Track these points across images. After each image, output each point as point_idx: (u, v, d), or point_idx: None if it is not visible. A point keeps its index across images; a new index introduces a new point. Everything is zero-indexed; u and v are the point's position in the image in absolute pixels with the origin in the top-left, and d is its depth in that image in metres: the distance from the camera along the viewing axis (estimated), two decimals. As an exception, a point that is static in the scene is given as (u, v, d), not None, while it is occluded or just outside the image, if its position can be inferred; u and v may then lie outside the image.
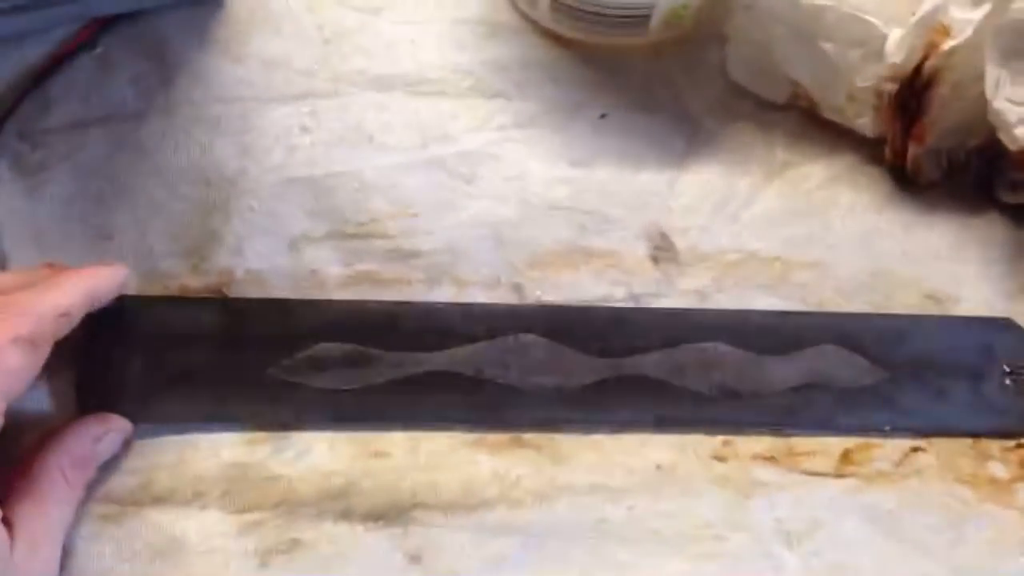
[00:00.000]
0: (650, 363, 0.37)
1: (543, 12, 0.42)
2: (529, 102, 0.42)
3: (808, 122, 0.42)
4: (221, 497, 0.34)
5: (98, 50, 0.41)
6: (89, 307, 0.33)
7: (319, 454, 0.35)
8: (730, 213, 0.41)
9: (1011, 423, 0.37)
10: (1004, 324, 0.39)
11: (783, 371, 0.37)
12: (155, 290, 0.38)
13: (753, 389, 0.37)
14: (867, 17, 0.38)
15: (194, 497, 0.34)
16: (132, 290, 0.37)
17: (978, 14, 0.37)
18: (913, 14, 0.38)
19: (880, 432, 0.37)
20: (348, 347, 0.37)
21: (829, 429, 0.37)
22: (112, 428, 0.34)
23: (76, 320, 0.32)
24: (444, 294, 0.39)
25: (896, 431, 0.37)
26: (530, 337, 0.37)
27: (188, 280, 0.38)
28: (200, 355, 0.36)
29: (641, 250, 0.40)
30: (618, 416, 0.36)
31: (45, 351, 0.31)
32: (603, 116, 0.43)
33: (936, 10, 0.37)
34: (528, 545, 0.34)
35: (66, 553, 0.32)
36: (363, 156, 0.41)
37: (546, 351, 0.37)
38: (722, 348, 0.37)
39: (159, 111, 0.40)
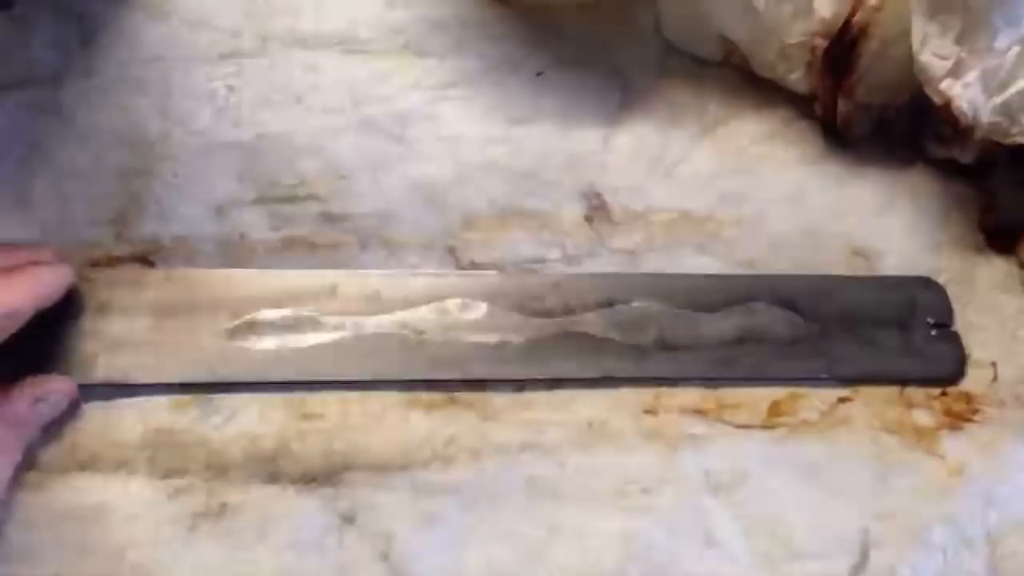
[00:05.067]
0: (587, 321, 0.37)
1: (475, -31, 0.42)
2: (463, 61, 0.42)
3: (741, 79, 0.42)
4: (148, 462, 0.34)
5: (14, 11, 0.40)
6: (35, 308, 0.32)
7: (248, 417, 0.35)
8: (663, 171, 0.41)
9: (939, 369, 0.38)
10: (924, 283, 0.39)
11: (717, 326, 0.38)
12: (79, 260, 0.37)
13: (688, 343, 0.37)
14: (796, -29, 0.38)
15: (120, 463, 0.34)
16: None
17: (904, -32, 0.37)
18: (841, -32, 0.38)
19: (815, 380, 0.37)
20: (288, 312, 0.36)
21: (764, 379, 0.37)
22: (53, 388, 0.33)
23: (23, 320, 0.32)
24: (377, 257, 0.39)
25: (831, 379, 0.37)
26: (469, 300, 0.37)
27: (113, 248, 0.37)
28: (138, 323, 0.35)
29: (575, 210, 0.40)
30: (557, 371, 0.36)
31: None
32: (539, 74, 0.42)
33: (863, -36, 0.38)
34: (461, 504, 0.34)
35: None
36: (292, 117, 0.40)
37: (485, 312, 0.37)
38: (656, 307, 0.38)
39: (79, 73, 0.39)
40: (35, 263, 0.34)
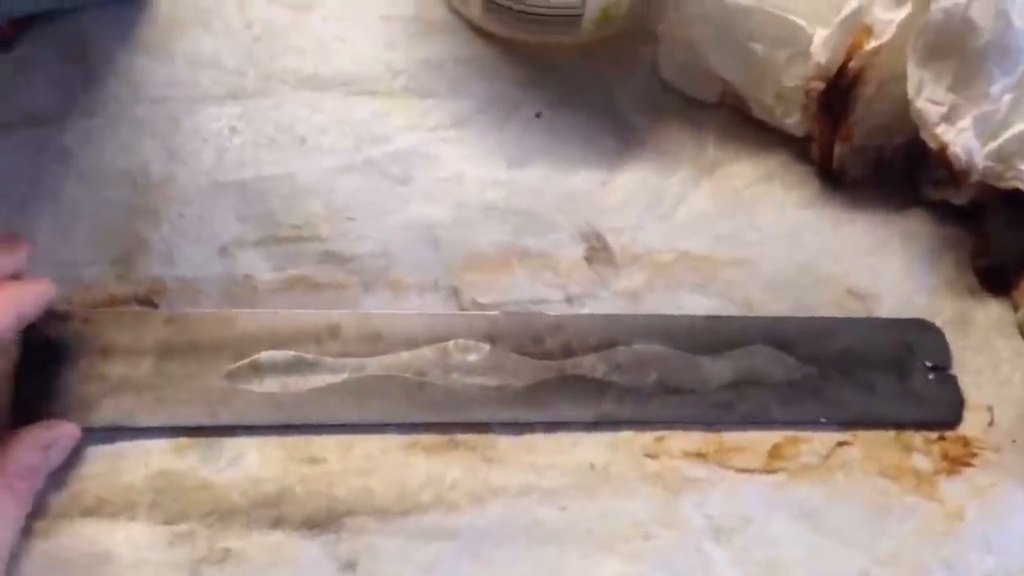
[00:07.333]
0: (588, 364, 0.37)
1: (475, 11, 0.42)
2: (463, 101, 0.42)
3: (738, 121, 0.43)
4: (150, 508, 0.34)
5: (16, 51, 0.40)
6: (17, 327, 0.32)
7: (250, 461, 0.35)
8: (662, 212, 0.41)
9: (937, 413, 0.38)
10: (921, 324, 0.40)
11: (716, 369, 0.38)
12: (81, 301, 0.37)
13: (689, 386, 0.37)
14: (793, 18, 0.39)
15: (123, 508, 0.34)
16: (58, 301, 0.36)
17: (900, 14, 0.38)
18: (838, 15, 0.38)
19: (814, 424, 0.37)
20: (290, 354, 0.36)
21: (764, 423, 0.37)
22: (61, 435, 0.33)
23: (3, 339, 0.31)
24: (379, 298, 0.39)
25: (829, 423, 0.37)
26: (471, 342, 0.37)
27: (115, 289, 0.37)
28: (140, 366, 0.35)
29: (576, 251, 0.40)
30: (557, 415, 0.37)
31: None
32: (538, 115, 0.43)
33: (859, 11, 0.38)
34: (462, 549, 0.34)
35: None
36: (295, 158, 0.40)
37: (486, 355, 0.37)
38: (656, 349, 0.38)
39: (82, 113, 0.39)
40: (13, 278, 0.33)
